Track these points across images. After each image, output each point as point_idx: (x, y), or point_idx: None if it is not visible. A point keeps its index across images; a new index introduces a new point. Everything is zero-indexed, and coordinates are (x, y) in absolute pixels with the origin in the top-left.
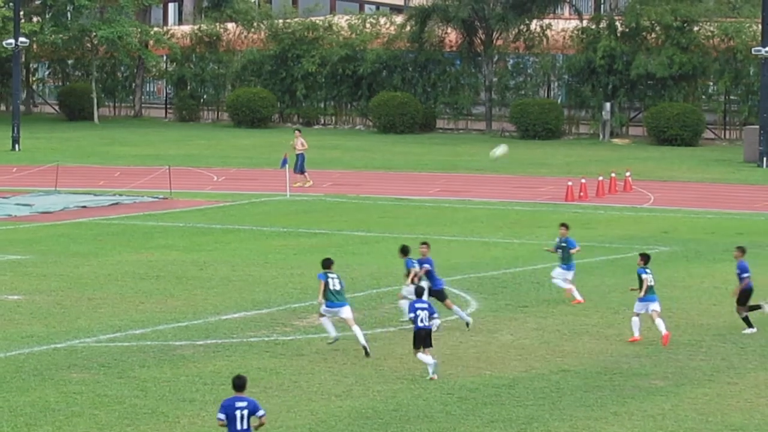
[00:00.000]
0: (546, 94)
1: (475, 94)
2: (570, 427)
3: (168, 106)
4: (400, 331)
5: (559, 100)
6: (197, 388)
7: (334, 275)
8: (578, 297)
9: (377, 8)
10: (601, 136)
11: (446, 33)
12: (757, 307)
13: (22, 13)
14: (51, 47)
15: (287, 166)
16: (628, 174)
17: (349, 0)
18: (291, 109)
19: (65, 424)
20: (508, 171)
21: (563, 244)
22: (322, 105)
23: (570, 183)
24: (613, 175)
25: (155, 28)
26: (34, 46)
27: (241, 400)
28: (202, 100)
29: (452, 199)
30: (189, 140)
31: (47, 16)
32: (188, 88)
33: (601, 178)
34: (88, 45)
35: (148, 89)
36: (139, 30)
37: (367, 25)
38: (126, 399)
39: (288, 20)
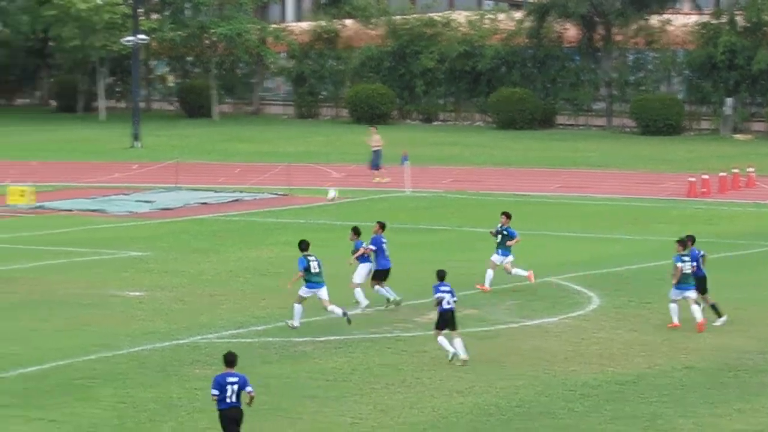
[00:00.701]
0: (666, 90)
1: (594, 89)
2: (694, 424)
3: (286, 102)
4: (522, 327)
5: (679, 96)
6: (319, 384)
7: (313, 257)
8: (487, 285)
9: (496, 4)
10: (722, 132)
11: (565, 28)
12: (719, 316)
13: (141, 10)
14: (170, 44)
15: (407, 162)
16: (750, 170)
17: None
18: (410, 106)
19: (188, 419)
20: (629, 167)
21: (504, 232)
22: (441, 101)
23: (692, 179)
24: (735, 171)
25: (273, 25)
26: (154, 43)
27: (232, 375)
28: (321, 97)
29: (572, 195)
30: (308, 137)
31: (166, 14)
32: (307, 84)
33: (723, 174)
34: (207, 42)
35: (267, 86)
36: (258, 27)
37: (486, 21)
38: None
39: (406, 16)
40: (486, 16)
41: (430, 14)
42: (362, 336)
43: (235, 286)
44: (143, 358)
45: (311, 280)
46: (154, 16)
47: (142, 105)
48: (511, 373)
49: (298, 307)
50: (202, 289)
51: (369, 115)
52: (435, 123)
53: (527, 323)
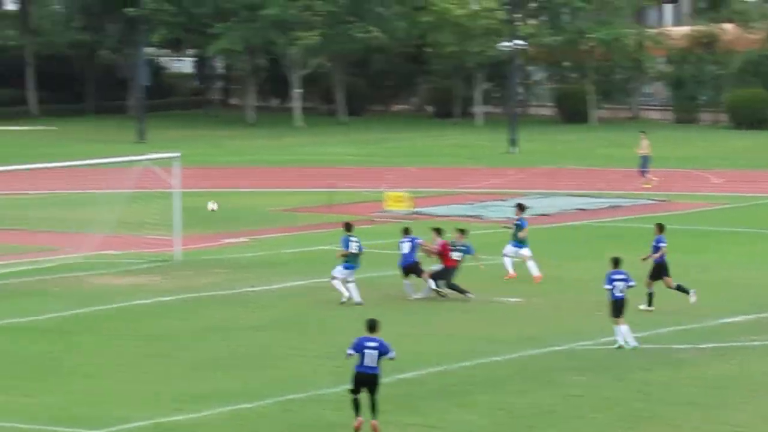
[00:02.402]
0: None
1: None
2: None
3: (665, 107)
4: None
5: None
6: (699, 391)
7: (356, 239)
8: (511, 272)
9: None
10: None
11: None
12: (686, 291)
13: (518, 15)
14: (547, 49)
15: None
16: None
17: None
18: None
19: (565, 426)
20: None
21: (517, 223)
22: None
23: None
24: None
25: (651, 29)
26: (531, 49)
27: (372, 340)
28: (699, 102)
29: None
30: (687, 142)
31: (543, 19)
32: (686, 89)
33: None
34: (584, 47)
35: (644, 91)
36: (636, 31)
37: None
38: (626, 402)
39: None
40: None
41: None
42: (742, 343)
43: None
44: (521, 365)
45: (350, 261)
46: (531, 22)
47: (518, 110)
48: None
49: (337, 283)
50: (580, 296)
51: (749, 120)
52: None
53: None
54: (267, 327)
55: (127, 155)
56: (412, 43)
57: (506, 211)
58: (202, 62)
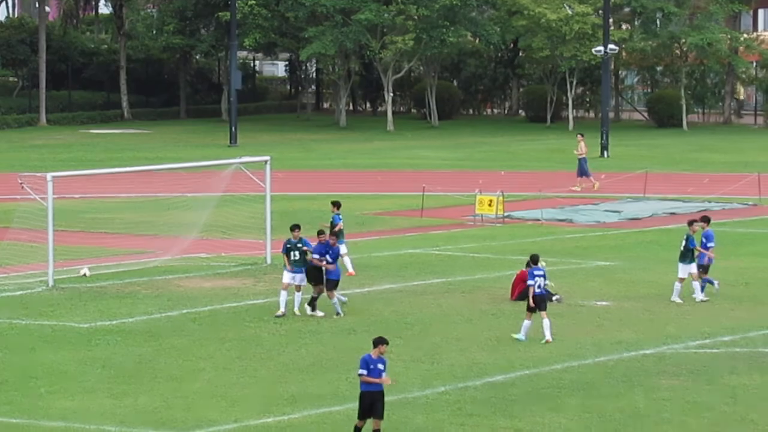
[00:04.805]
0: None
1: None
2: None
3: (758, 112)
4: None
5: None
6: None
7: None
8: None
9: None
10: None
11: None
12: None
13: (611, 20)
14: (640, 54)
15: None
16: None
17: None
18: None
19: (654, 430)
20: None
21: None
22: None
23: None
24: None
25: (745, 35)
26: (623, 54)
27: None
28: None
29: None
30: None
31: (636, 24)
32: None
33: None
34: (677, 52)
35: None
36: (729, 36)
37: None
38: (716, 406)
39: None
40: None
41: None
42: None
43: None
44: (609, 368)
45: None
46: (624, 26)
47: (610, 115)
48: None
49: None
50: (669, 299)
51: None
52: None
53: None
54: (357, 330)
55: (219, 159)
56: (505, 47)
57: (597, 215)
58: (294, 66)
